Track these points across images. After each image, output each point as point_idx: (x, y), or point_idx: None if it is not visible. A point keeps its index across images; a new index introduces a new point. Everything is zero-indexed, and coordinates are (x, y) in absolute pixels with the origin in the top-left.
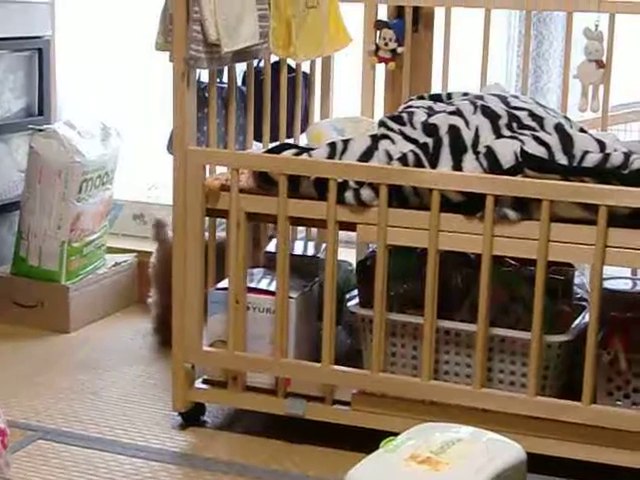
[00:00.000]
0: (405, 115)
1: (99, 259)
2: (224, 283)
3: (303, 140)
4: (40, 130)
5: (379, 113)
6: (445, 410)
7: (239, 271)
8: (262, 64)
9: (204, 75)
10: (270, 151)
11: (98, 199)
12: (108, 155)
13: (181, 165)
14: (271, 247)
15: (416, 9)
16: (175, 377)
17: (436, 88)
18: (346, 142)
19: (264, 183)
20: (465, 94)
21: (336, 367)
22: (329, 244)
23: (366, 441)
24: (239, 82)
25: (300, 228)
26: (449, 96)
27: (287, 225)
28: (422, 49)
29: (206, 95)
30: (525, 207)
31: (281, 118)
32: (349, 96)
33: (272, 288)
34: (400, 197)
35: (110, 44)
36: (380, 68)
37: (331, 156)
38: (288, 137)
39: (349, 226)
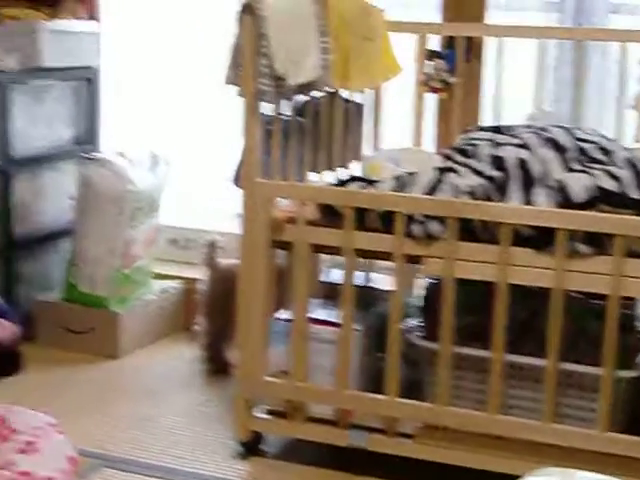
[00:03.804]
0: (470, 148)
1: (146, 285)
2: (283, 313)
3: (356, 170)
4: (93, 159)
5: (429, 143)
6: (510, 445)
7: (303, 302)
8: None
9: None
10: (336, 184)
11: (147, 226)
12: (157, 183)
13: (249, 197)
14: (325, 277)
15: (467, 39)
16: (237, 406)
17: (486, 118)
18: (412, 175)
19: (329, 215)
20: (527, 126)
21: (401, 400)
22: (396, 277)
23: (427, 474)
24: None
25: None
26: (509, 128)
27: (353, 257)
28: (472, 79)
29: (268, 128)
30: (597, 241)
31: (335, 148)
32: (398, 125)
33: (333, 319)
34: (467, 230)
35: (154, 73)
36: (431, 98)
37: (397, 189)
38: (341, 167)
39: (414, 259)
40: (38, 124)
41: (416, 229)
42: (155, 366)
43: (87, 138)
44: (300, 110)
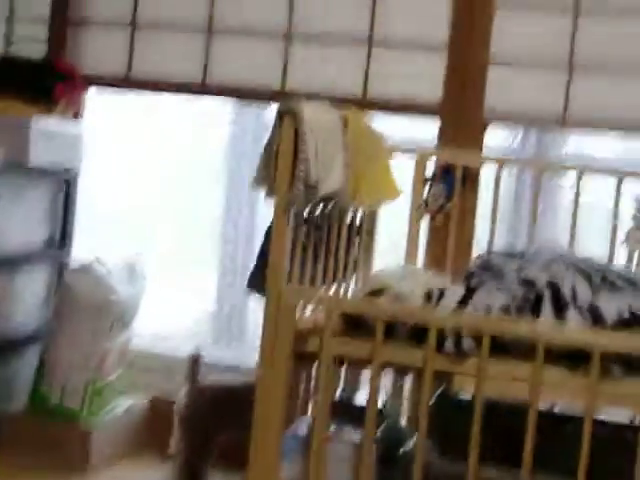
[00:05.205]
0: (495, 267)
1: (116, 400)
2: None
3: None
4: (74, 264)
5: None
6: None
7: (324, 417)
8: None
9: None
10: (365, 295)
11: (123, 338)
12: (135, 294)
13: (273, 303)
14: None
15: (464, 166)
16: None
17: (479, 243)
18: (441, 291)
19: (352, 325)
20: (536, 252)
21: None
22: (425, 391)
23: None
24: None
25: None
26: (522, 253)
27: (380, 371)
28: (467, 205)
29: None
30: (632, 363)
31: (339, 262)
32: (390, 245)
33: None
34: (498, 348)
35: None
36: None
37: (427, 304)
38: (342, 281)
39: (442, 375)
40: (14, 223)
41: (448, 345)
42: None
43: (60, 241)
44: (314, 220)
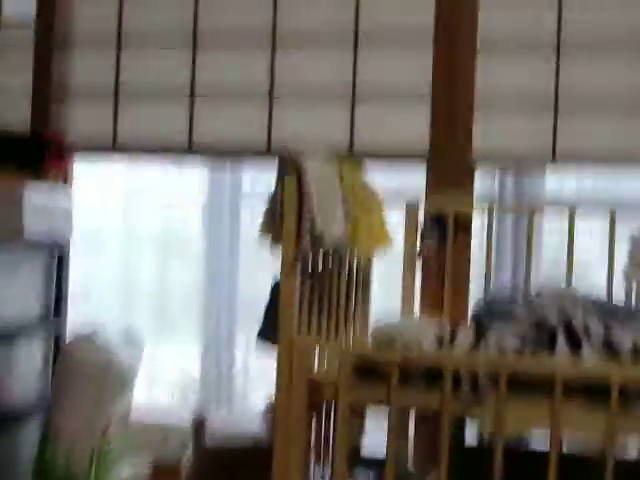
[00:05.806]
0: (502, 309)
1: (119, 466)
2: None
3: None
4: (73, 332)
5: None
6: None
7: (343, 466)
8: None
9: None
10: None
11: (125, 404)
12: (135, 359)
13: (286, 354)
14: None
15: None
16: None
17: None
18: (452, 334)
19: (363, 375)
20: (538, 294)
21: None
22: (442, 436)
23: None
24: None
25: None
26: (524, 293)
27: (397, 416)
28: (460, 250)
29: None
30: None
31: (339, 312)
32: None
33: None
34: (514, 387)
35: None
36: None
37: (439, 348)
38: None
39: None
40: (9, 296)
41: (464, 387)
42: None
43: (55, 312)
44: (317, 271)
